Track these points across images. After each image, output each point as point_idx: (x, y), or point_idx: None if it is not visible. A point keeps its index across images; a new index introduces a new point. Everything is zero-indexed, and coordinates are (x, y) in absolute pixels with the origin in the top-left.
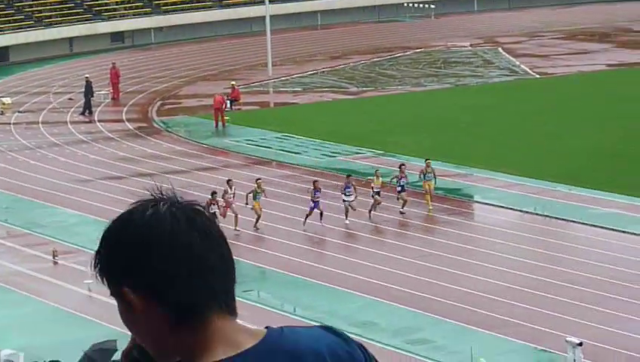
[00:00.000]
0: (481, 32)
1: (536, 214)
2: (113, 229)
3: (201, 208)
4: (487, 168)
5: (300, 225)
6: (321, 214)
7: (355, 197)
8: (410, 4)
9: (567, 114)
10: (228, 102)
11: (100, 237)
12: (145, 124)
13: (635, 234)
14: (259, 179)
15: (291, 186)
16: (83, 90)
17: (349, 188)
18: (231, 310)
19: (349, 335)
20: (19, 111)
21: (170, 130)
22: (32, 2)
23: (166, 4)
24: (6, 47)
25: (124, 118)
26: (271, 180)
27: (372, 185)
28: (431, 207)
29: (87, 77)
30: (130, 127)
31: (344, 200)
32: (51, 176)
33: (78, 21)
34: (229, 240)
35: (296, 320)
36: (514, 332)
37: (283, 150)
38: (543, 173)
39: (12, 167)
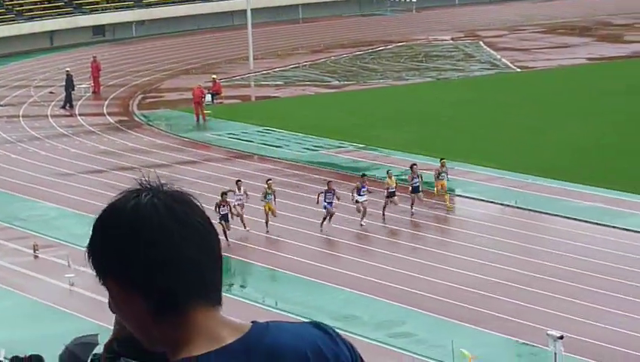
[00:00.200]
0: (462, 25)
1: (517, 208)
2: (99, 220)
3: (186, 197)
4: (469, 162)
5: (279, 219)
6: (331, 216)
7: (366, 199)
8: None
9: (548, 107)
10: (208, 95)
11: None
12: (126, 118)
13: (616, 227)
14: (269, 179)
15: (274, 180)
16: (64, 83)
17: (364, 188)
18: (215, 302)
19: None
20: None
21: (151, 123)
22: None
23: None
24: None
25: (105, 111)
26: (252, 174)
27: (386, 186)
28: (449, 204)
29: (67, 70)
30: (111, 120)
31: (357, 201)
32: (32, 169)
33: (59, 14)
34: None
35: (279, 314)
36: (495, 325)
37: (265, 144)
38: (523, 167)
39: None
